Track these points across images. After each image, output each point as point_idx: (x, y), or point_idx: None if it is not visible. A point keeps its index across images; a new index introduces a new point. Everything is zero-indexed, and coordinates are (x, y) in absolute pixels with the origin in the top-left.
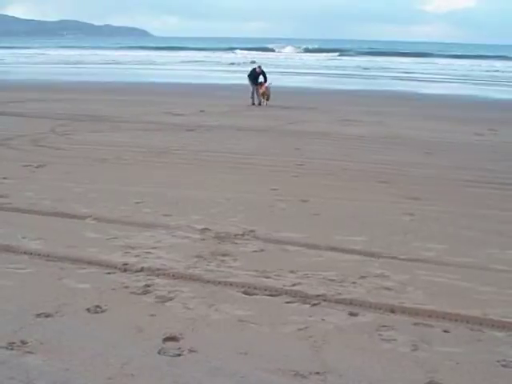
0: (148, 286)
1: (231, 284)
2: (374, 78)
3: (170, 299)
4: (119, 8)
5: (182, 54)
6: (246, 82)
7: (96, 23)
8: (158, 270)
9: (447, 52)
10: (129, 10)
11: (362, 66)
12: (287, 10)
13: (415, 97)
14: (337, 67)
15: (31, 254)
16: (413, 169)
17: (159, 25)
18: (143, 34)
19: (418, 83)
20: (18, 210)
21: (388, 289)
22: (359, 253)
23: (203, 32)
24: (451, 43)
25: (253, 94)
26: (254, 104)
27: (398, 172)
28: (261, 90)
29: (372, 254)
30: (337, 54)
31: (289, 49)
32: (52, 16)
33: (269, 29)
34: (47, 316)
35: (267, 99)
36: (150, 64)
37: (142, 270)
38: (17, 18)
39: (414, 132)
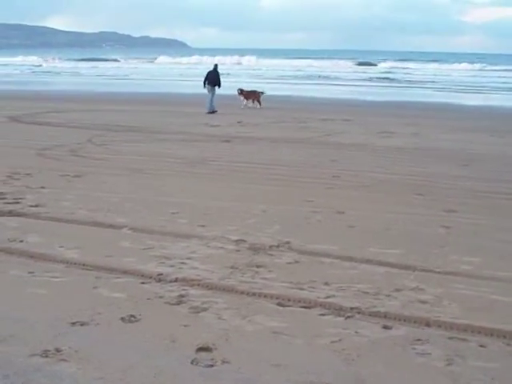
0: (182, 296)
1: (265, 295)
2: (410, 88)
3: (204, 310)
4: (157, 20)
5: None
6: (281, 93)
7: (134, 35)
8: (193, 280)
9: (487, 61)
10: (167, 22)
11: (397, 75)
12: (325, 22)
13: (453, 108)
14: (373, 78)
15: (67, 262)
16: (449, 181)
17: (197, 36)
18: (181, 45)
19: (457, 94)
20: (55, 219)
21: (423, 302)
22: (394, 265)
23: (241, 44)
24: (489, 54)
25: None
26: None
27: (434, 184)
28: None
29: (407, 267)
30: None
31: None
32: (91, 28)
33: (307, 40)
34: (82, 324)
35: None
36: (187, 75)
37: (176, 280)
38: (57, 29)
39: (451, 144)
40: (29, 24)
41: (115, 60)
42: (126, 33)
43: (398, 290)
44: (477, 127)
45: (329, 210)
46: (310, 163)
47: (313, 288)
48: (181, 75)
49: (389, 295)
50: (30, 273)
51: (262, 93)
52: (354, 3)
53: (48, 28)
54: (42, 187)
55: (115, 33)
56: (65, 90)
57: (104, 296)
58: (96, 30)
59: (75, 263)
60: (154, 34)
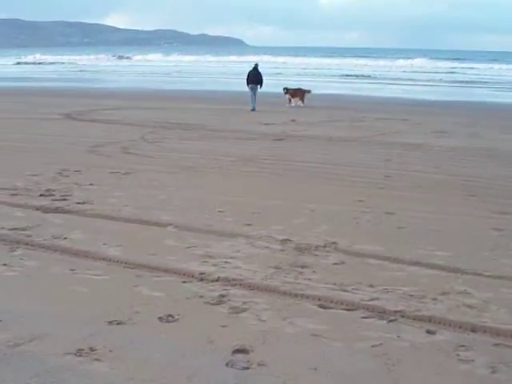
0: (223, 296)
1: (307, 297)
2: (470, 87)
3: (244, 310)
4: (215, 18)
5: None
6: (338, 91)
7: (192, 33)
8: (235, 280)
9: None
10: (225, 20)
11: (454, 74)
12: (387, 21)
13: (511, 108)
14: (432, 78)
15: (110, 260)
16: (505, 183)
17: (254, 34)
18: (238, 42)
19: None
20: (100, 216)
21: (470, 306)
22: (442, 268)
23: (299, 42)
24: None
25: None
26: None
27: (488, 185)
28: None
29: (456, 270)
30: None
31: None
32: (149, 25)
33: (365, 38)
34: (119, 323)
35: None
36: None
37: (218, 279)
38: (115, 27)
39: (508, 145)
40: (87, 22)
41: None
42: (185, 31)
43: (444, 294)
44: None
45: (379, 210)
46: (363, 162)
47: (357, 290)
48: (233, 73)
49: (435, 299)
50: (71, 270)
51: (309, 91)
52: (415, 1)
53: (106, 26)
54: (91, 184)
55: (173, 30)
56: (119, 87)
57: (143, 295)
58: (153, 28)
59: (117, 261)
60: (212, 32)
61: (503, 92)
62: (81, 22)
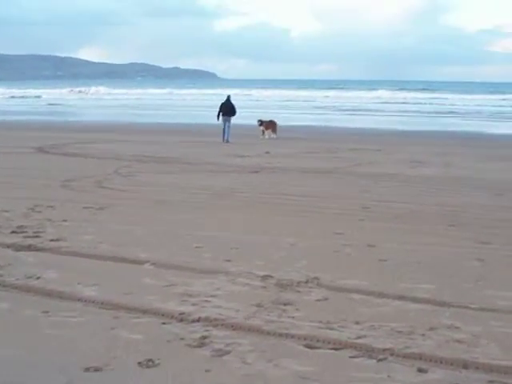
0: (204, 337)
1: (292, 336)
2: (439, 117)
3: (227, 353)
4: (187, 51)
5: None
6: (310, 123)
7: (164, 65)
8: (216, 320)
9: None
10: (196, 53)
11: (424, 105)
12: (354, 53)
13: (483, 137)
14: (401, 109)
15: (85, 301)
16: (482, 211)
17: (226, 67)
18: (211, 75)
19: (486, 122)
20: (75, 253)
21: (459, 342)
22: (428, 301)
23: (271, 74)
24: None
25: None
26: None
27: (467, 215)
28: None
29: (442, 304)
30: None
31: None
32: (122, 59)
33: (336, 71)
34: (96, 370)
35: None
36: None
37: (199, 319)
38: (88, 60)
39: (483, 173)
40: (60, 55)
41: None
42: (157, 64)
43: (432, 329)
44: (510, 156)
45: (359, 242)
46: (339, 194)
47: (343, 327)
48: (206, 105)
49: (423, 334)
50: (44, 312)
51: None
52: (384, 34)
53: (80, 59)
54: (64, 220)
55: (146, 64)
56: (91, 120)
57: (121, 338)
58: (126, 61)
59: (93, 301)
60: (184, 64)
61: (473, 121)
62: (53, 56)
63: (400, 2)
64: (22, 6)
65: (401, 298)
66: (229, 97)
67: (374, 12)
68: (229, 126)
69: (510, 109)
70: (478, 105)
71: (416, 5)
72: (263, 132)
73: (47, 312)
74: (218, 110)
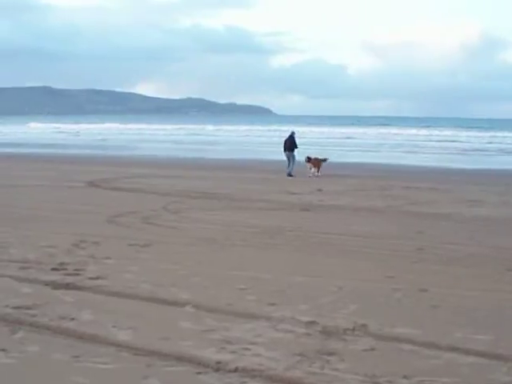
0: None
1: None
2: (496, 156)
3: None
4: (243, 87)
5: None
6: (364, 160)
7: (220, 101)
8: (254, 370)
9: None
10: (252, 89)
11: (481, 142)
12: (409, 89)
13: None
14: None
15: (119, 345)
16: None
17: (282, 103)
18: (266, 112)
19: None
20: (114, 293)
21: None
22: (483, 354)
23: (326, 111)
24: None
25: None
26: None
27: None
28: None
29: (498, 357)
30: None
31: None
32: (178, 94)
33: (391, 107)
34: None
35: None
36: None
37: (236, 370)
38: (145, 96)
39: None
40: (117, 90)
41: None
42: (213, 99)
43: None
44: None
45: (411, 287)
46: (392, 234)
47: (390, 382)
48: (260, 142)
49: None
50: (74, 357)
51: (325, 160)
52: (440, 70)
53: (136, 95)
54: (107, 257)
55: (202, 99)
56: (144, 154)
57: None
58: (183, 97)
59: (127, 346)
60: (240, 100)
61: None
62: (111, 91)
63: (456, 38)
64: (82, 42)
65: (454, 349)
66: (292, 133)
67: (430, 47)
68: (293, 161)
69: None
70: None
71: (473, 41)
72: (311, 168)
73: (77, 357)
74: (283, 145)
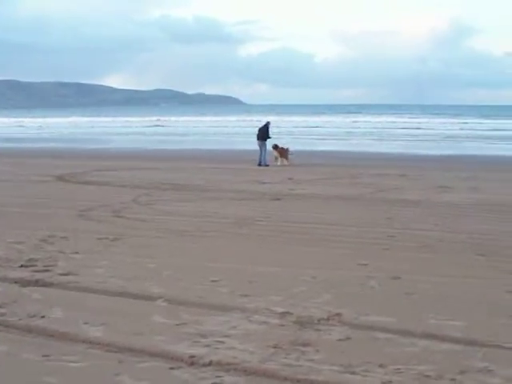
0: None
1: (311, 382)
2: (464, 142)
3: None
4: (212, 77)
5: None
6: (333, 148)
7: (189, 92)
8: (229, 364)
9: None
10: (222, 78)
11: (451, 129)
12: (377, 78)
13: (509, 161)
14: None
15: (90, 342)
16: None
17: (251, 92)
18: (235, 101)
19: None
20: (85, 289)
21: None
22: (458, 341)
23: (296, 99)
24: None
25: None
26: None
27: (497, 243)
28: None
29: (473, 343)
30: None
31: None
32: (147, 85)
33: (360, 96)
34: None
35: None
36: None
37: (210, 363)
38: (113, 87)
39: (511, 198)
40: (84, 82)
41: None
42: (182, 90)
43: (463, 373)
44: None
45: (384, 274)
46: (363, 222)
47: (366, 372)
48: (228, 132)
49: (453, 379)
50: (45, 356)
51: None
52: (410, 58)
53: (105, 86)
54: (76, 252)
55: (171, 90)
56: (112, 147)
57: None
58: (152, 88)
59: (98, 343)
60: (209, 90)
61: (495, 145)
62: (78, 83)
63: (423, 26)
64: (48, 34)
65: (428, 336)
66: (268, 123)
67: (398, 36)
68: (264, 151)
69: None
70: (505, 129)
71: (440, 28)
72: (276, 158)
73: (48, 356)
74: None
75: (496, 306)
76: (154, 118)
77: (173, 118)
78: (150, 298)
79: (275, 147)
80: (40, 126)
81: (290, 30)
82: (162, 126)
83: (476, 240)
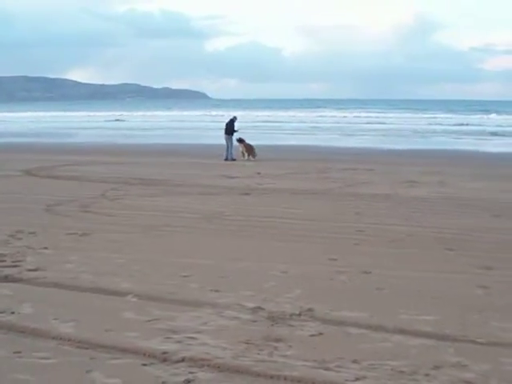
0: (188, 381)
1: (285, 378)
2: (429, 137)
3: None
4: (179, 72)
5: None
6: (301, 142)
7: (155, 86)
8: (202, 360)
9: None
10: (188, 73)
11: (417, 124)
12: (344, 72)
13: (476, 155)
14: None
15: (60, 339)
16: (481, 233)
17: (218, 87)
18: (202, 96)
19: (478, 141)
20: (54, 285)
21: (468, 382)
22: (430, 336)
23: (263, 94)
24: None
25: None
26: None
27: (465, 237)
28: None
29: (445, 337)
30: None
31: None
32: (113, 80)
33: (327, 90)
34: None
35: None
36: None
37: (183, 360)
38: (78, 82)
39: (479, 193)
40: (50, 77)
41: None
42: (148, 84)
43: (437, 368)
44: (506, 175)
45: (354, 269)
46: (332, 216)
47: (340, 367)
48: (197, 127)
49: (427, 374)
50: (15, 353)
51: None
52: (376, 53)
53: (68, 80)
54: (45, 248)
55: (137, 84)
56: (79, 142)
57: (97, 383)
58: (118, 82)
59: (69, 340)
60: (175, 85)
61: (463, 140)
62: (43, 77)
63: (390, 20)
64: (13, 28)
65: (401, 331)
66: (234, 118)
67: (364, 30)
68: (231, 146)
69: (503, 128)
70: (471, 124)
71: (406, 23)
72: (243, 154)
73: (19, 352)
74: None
75: (467, 301)
76: (118, 113)
77: (138, 113)
78: (119, 293)
79: (240, 141)
80: (4, 121)
81: (257, 24)
82: (123, 121)
83: (445, 235)
